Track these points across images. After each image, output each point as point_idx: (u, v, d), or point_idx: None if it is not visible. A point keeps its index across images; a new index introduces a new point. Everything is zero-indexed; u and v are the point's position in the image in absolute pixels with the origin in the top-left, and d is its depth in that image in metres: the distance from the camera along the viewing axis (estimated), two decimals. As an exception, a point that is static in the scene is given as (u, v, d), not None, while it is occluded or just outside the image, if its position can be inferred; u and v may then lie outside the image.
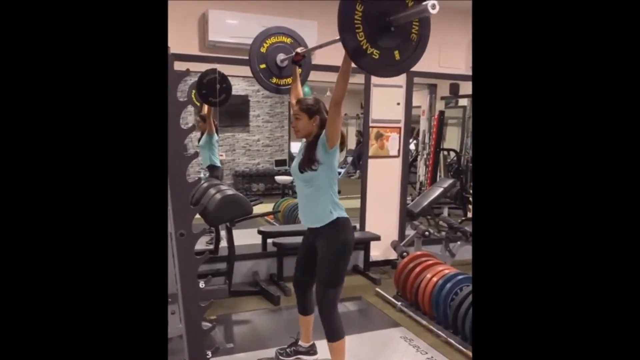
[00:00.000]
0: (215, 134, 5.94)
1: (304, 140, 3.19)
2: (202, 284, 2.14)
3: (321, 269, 3.11)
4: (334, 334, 3.16)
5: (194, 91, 5.28)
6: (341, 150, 3.11)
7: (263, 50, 3.76)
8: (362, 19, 2.33)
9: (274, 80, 3.83)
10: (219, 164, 6.15)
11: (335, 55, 5.29)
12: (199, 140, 5.99)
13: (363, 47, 2.37)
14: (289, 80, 3.74)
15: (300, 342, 3.62)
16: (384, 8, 2.37)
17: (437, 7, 2.20)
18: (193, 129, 2.07)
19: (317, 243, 3.16)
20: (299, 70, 3.62)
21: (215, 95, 5.15)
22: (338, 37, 2.43)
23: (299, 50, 3.60)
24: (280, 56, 3.79)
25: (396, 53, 2.47)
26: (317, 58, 5.19)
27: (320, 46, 3.51)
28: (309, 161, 3.03)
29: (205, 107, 5.68)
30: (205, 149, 5.98)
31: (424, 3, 2.24)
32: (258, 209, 5.86)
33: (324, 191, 3.07)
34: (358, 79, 5.41)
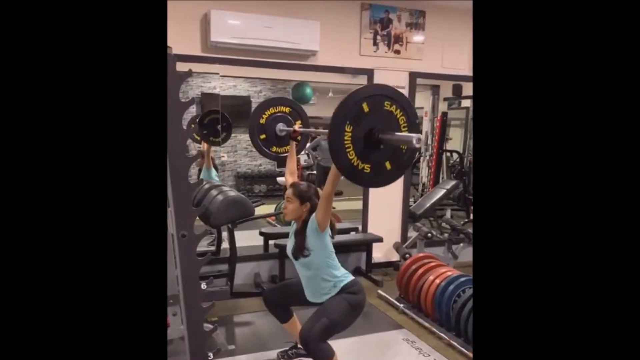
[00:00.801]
0: (214, 169, 5.98)
1: (293, 223, 3.27)
2: (203, 286, 2.15)
3: (324, 309, 3.06)
4: None
5: (193, 125, 5.31)
6: (332, 235, 3.17)
7: (262, 121, 3.96)
8: (352, 139, 2.39)
9: (274, 149, 4.04)
10: None
11: (338, 56, 5.31)
12: (198, 175, 6.00)
13: (354, 164, 2.42)
14: (287, 148, 3.88)
15: (299, 345, 3.56)
16: (373, 126, 2.42)
17: (421, 144, 2.35)
18: (195, 130, 2.07)
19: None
20: (295, 145, 3.75)
21: (216, 135, 5.26)
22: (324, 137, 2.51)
23: (296, 127, 3.74)
24: (280, 126, 3.97)
25: (387, 164, 2.52)
26: (320, 59, 5.20)
27: (316, 131, 3.75)
28: (301, 249, 3.11)
29: (204, 143, 5.70)
30: None
31: (411, 135, 2.37)
32: (260, 211, 5.85)
33: (323, 271, 3.12)
34: (361, 79, 5.40)
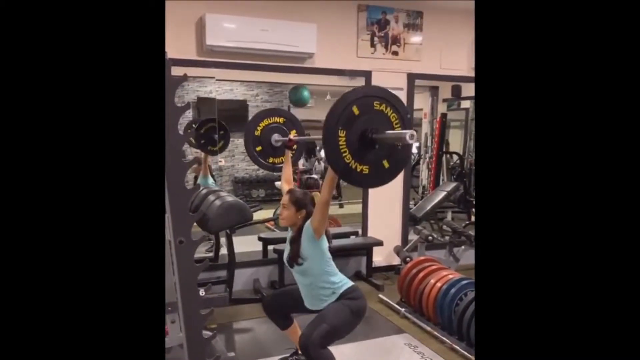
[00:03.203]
0: (211, 177, 5.96)
1: (290, 229, 3.27)
2: (202, 292, 2.14)
3: (325, 314, 3.03)
4: None
5: (189, 130, 5.28)
6: (329, 242, 3.18)
7: (257, 133, 4.03)
8: (347, 143, 2.41)
9: (270, 159, 4.11)
10: None
11: (335, 59, 5.28)
12: (194, 184, 5.98)
13: (352, 167, 2.45)
14: (284, 157, 3.89)
15: (300, 351, 3.53)
16: (365, 127, 2.45)
17: (415, 138, 2.37)
18: (191, 135, 2.05)
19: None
20: (290, 154, 3.76)
21: (213, 144, 5.29)
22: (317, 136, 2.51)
23: (292, 136, 3.77)
24: (275, 137, 4.04)
25: (385, 163, 2.54)
26: (317, 62, 5.17)
27: (312, 139, 3.70)
28: (295, 257, 3.11)
29: (202, 152, 5.69)
30: None
31: (404, 132, 2.40)
32: (258, 216, 5.84)
33: (320, 278, 3.11)
34: (358, 81, 5.37)
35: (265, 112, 4.07)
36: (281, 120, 4.06)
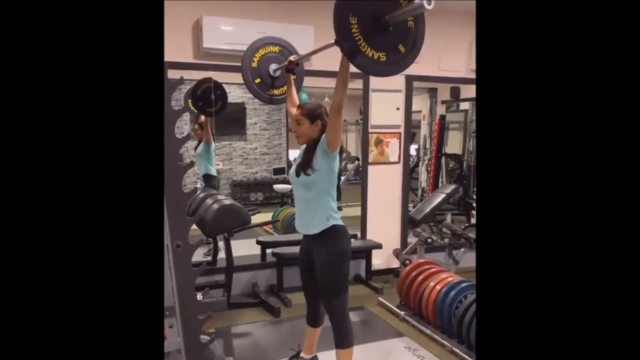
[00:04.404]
0: (213, 143, 5.90)
1: (304, 146, 3.19)
2: (200, 296, 2.15)
3: (321, 281, 3.09)
4: (344, 341, 3.13)
5: (190, 100, 5.22)
6: (340, 156, 3.11)
7: (254, 64, 3.84)
8: (360, 31, 2.33)
9: (269, 91, 3.92)
10: (215, 174, 6.14)
11: (332, 60, 5.24)
12: (196, 148, 5.94)
13: (370, 55, 2.38)
14: (284, 89, 3.80)
15: (302, 354, 3.55)
16: (377, 10, 2.37)
17: (433, 3, 2.23)
18: (189, 137, 2.06)
19: (314, 252, 3.13)
20: (292, 77, 3.66)
21: (211, 105, 5.15)
22: (332, 42, 2.43)
23: (291, 58, 3.64)
24: (272, 66, 3.86)
25: (400, 47, 2.48)
26: (314, 64, 5.15)
27: (313, 52, 3.56)
28: (306, 165, 3.03)
29: (202, 116, 5.64)
30: (202, 158, 5.94)
31: (418, 1, 2.27)
32: (256, 219, 5.83)
33: (322, 197, 3.06)
34: (357, 84, 5.37)
35: (260, 41, 3.90)
36: (276, 49, 3.92)
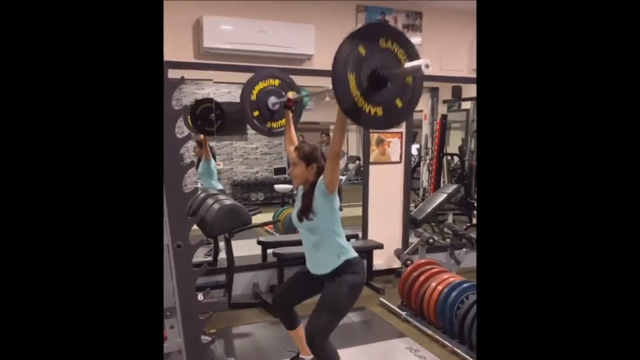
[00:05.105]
0: (213, 160, 5.92)
1: (301, 187, 3.21)
2: (200, 297, 2.12)
3: (325, 300, 3.03)
4: None
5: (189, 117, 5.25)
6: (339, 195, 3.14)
7: (253, 98, 3.91)
8: (358, 86, 2.34)
9: (268, 124, 4.01)
10: (221, 187, 6.22)
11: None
12: (197, 167, 5.96)
13: (367, 111, 2.39)
14: (282, 122, 3.85)
15: (301, 356, 3.55)
16: (375, 67, 2.37)
17: (430, 67, 2.22)
18: (189, 137, 2.05)
19: (325, 282, 3.10)
20: (291, 115, 3.70)
21: (210, 125, 5.21)
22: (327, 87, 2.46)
23: (290, 95, 3.70)
24: (272, 99, 3.94)
25: (397, 102, 2.48)
26: (316, 63, 5.15)
27: (312, 94, 3.62)
28: (307, 210, 3.04)
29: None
30: (205, 176, 6.01)
31: (418, 62, 2.27)
32: (257, 219, 5.82)
33: (329, 237, 3.06)
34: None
35: (259, 76, 3.96)
36: (276, 82, 3.98)
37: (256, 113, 3.91)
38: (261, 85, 3.93)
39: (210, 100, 5.13)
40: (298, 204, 3.16)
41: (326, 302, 3.00)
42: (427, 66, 2.19)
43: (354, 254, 3.10)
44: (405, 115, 2.55)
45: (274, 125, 3.99)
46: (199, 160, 5.97)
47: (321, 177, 2.98)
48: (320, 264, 3.11)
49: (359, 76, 2.31)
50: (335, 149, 2.79)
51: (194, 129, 5.27)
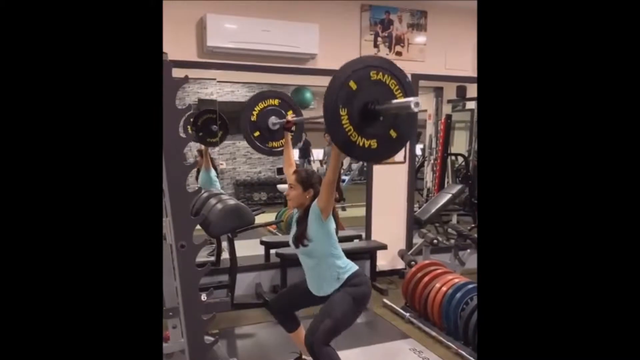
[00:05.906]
0: (213, 170, 5.92)
1: (296, 211, 3.25)
2: (203, 297, 2.13)
3: (328, 308, 3.01)
4: None
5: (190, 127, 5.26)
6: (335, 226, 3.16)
7: (253, 118, 3.99)
8: (350, 121, 2.35)
9: (269, 144, 4.08)
10: None
11: (337, 59, 5.23)
12: (197, 178, 5.94)
13: (360, 144, 2.40)
14: (283, 141, 3.89)
15: (304, 357, 3.55)
16: (367, 102, 2.38)
17: (420, 106, 2.24)
18: (193, 137, 2.05)
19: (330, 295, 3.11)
20: (290, 136, 3.74)
21: (211, 135, 5.24)
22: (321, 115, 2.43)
23: (289, 118, 3.78)
24: (272, 119, 4.01)
25: (392, 133, 2.48)
26: (320, 63, 5.13)
27: (310, 118, 3.67)
28: (302, 237, 3.07)
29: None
30: (207, 187, 5.95)
31: (408, 100, 2.29)
32: (260, 219, 5.80)
33: (326, 260, 3.08)
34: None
35: (259, 96, 4.02)
36: (276, 102, 4.03)
37: (257, 133, 3.98)
38: (261, 105, 4.00)
39: (212, 111, 5.13)
40: (293, 228, 3.19)
41: (328, 310, 2.99)
42: (416, 104, 2.22)
43: (354, 268, 3.13)
44: (400, 145, 2.57)
45: (275, 144, 4.06)
46: (198, 172, 5.97)
47: (315, 201, 3.01)
48: (320, 286, 3.14)
49: (351, 111, 2.33)
50: (331, 177, 2.82)
51: (195, 137, 5.28)
